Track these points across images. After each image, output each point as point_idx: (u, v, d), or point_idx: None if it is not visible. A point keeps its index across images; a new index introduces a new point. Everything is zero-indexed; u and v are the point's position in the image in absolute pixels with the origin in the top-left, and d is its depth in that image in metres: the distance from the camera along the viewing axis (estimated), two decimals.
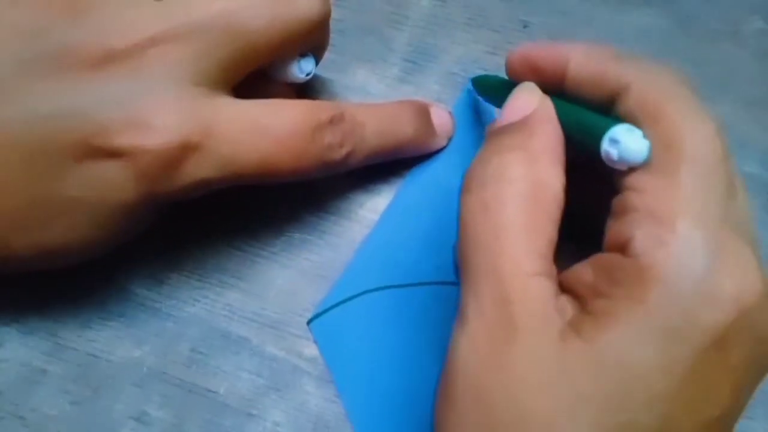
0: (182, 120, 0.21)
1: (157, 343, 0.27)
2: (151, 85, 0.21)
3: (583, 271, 0.18)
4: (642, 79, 0.18)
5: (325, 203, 0.28)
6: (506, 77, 0.23)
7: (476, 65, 0.29)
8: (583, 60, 0.20)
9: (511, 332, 0.17)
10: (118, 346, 0.27)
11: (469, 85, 0.28)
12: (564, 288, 0.19)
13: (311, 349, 0.27)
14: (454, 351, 0.18)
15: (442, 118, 0.28)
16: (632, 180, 0.18)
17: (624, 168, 0.18)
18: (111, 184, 0.21)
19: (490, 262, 0.18)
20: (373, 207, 0.28)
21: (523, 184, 0.19)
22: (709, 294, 0.16)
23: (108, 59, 0.21)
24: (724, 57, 0.30)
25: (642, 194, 0.17)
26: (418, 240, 0.27)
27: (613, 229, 0.18)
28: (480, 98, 0.28)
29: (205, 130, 0.21)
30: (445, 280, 0.27)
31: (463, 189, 0.20)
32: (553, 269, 0.19)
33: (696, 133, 0.17)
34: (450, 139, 0.28)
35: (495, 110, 0.28)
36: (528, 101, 0.21)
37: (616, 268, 0.17)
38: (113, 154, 0.21)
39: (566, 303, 0.18)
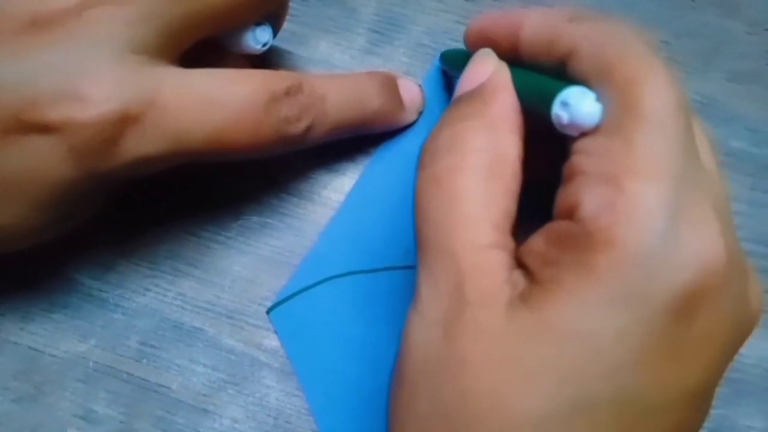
0: (119, 90, 0.19)
1: (104, 335, 0.25)
2: (84, 53, 0.19)
3: (535, 242, 0.17)
4: (593, 39, 0.17)
5: (286, 184, 0.26)
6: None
7: (447, 36, 0.27)
8: (535, 24, 0.19)
9: (462, 306, 0.17)
10: (62, 339, 0.25)
11: (438, 59, 0.26)
12: (519, 262, 0.18)
13: (271, 340, 0.25)
14: (407, 332, 0.18)
15: (410, 90, 0.26)
16: (582, 143, 0.17)
17: (575, 133, 0.17)
18: (45, 161, 0.19)
19: (442, 237, 0.17)
20: (337, 187, 0.26)
21: (476, 154, 0.18)
22: (664, 259, 0.15)
23: (35, 26, 0.19)
24: (712, 29, 0.28)
25: (591, 156, 0.16)
26: (386, 222, 0.26)
27: (562, 195, 0.17)
28: (449, 72, 0.26)
29: (146, 100, 0.19)
30: (415, 264, 0.25)
31: (419, 165, 0.19)
32: (509, 242, 0.18)
33: (650, 88, 0.16)
34: (420, 114, 0.26)
35: None
36: (483, 68, 0.20)
37: (564, 235, 0.16)
38: (45, 128, 0.19)
39: (519, 276, 0.17)
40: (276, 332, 0.25)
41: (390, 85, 0.25)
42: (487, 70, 0.20)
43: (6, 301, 0.25)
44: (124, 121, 0.19)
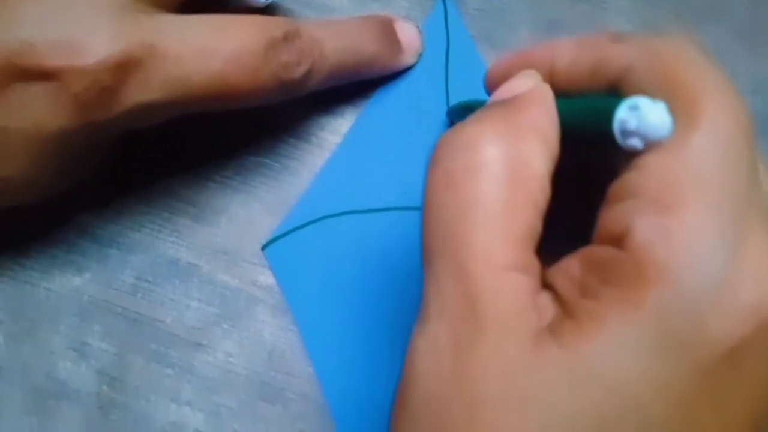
0: (119, 37, 0.19)
1: (99, 270, 0.25)
2: (83, 2, 0.19)
3: (570, 266, 0.15)
4: (649, 54, 0.15)
5: (283, 125, 0.26)
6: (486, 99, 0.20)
7: None
8: (573, 53, 0.17)
9: (476, 335, 0.14)
10: (57, 274, 0.25)
11: (441, 2, 0.26)
12: (547, 285, 0.16)
13: (266, 277, 0.25)
14: (412, 354, 0.16)
15: (408, 33, 0.26)
16: (639, 160, 0.15)
17: (639, 145, 0.15)
18: (44, 111, 0.19)
19: (455, 251, 0.15)
20: (335, 129, 0.26)
21: (502, 157, 0.15)
22: (722, 299, 0.13)
23: None
24: None
25: (645, 174, 0.14)
26: (382, 164, 0.26)
27: (608, 217, 0.15)
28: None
29: (146, 47, 0.19)
30: (410, 206, 0.25)
31: (430, 161, 0.17)
32: (534, 263, 0.16)
33: (716, 107, 0.14)
34: (419, 57, 0.26)
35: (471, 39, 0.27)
36: (523, 82, 0.18)
37: (608, 263, 0.14)
38: (43, 75, 0.19)
39: (548, 302, 0.15)
40: (271, 269, 0.25)
41: (387, 28, 0.26)
42: (526, 84, 0.18)
43: (1, 237, 0.25)
44: (124, 69, 0.19)
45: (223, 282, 0.25)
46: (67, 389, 0.24)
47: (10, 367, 0.24)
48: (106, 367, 0.24)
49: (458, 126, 0.17)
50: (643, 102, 0.15)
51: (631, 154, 0.15)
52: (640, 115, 0.14)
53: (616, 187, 0.15)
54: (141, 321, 0.24)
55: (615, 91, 0.16)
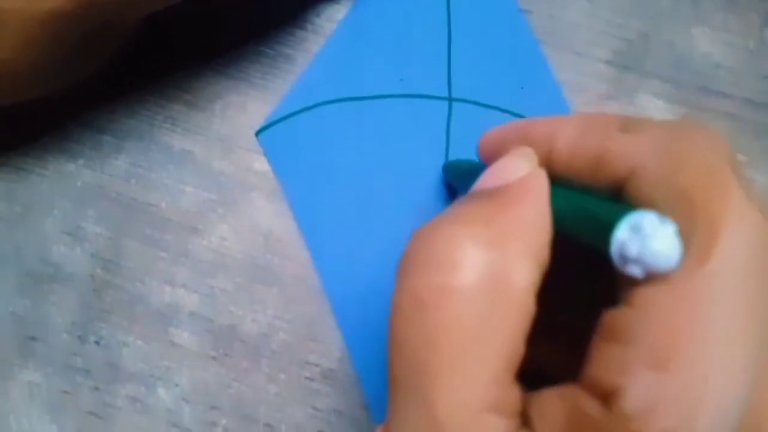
0: None
1: (92, 156, 0.24)
2: None
3: (554, 411, 0.13)
4: (660, 156, 0.13)
5: (279, 12, 0.26)
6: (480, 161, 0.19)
7: None
8: (576, 135, 0.15)
9: None
10: (50, 160, 0.24)
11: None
12: (527, 420, 0.14)
13: (261, 164, 0.24)
14: None
15: None
16: (640, 294, 0.12)
17: (639, 274, 0.12)
18: None
19: (422, 387, 0.13)
20: (331, 16, 0.26)
21: (479, 277, 0.13)
22: None
23: None
24: None
25: (644, 315, 0.12)
26: (378, 51, 0.25)
27: (597, 362, 0.13)
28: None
29: None
30: (405, 93, 0.25)
31: (399, 269, 0.14)
32: (513, 397, 0.14)
33: (736, 232, 0.12)
34: None
35: None
36: (514, 165, 0.16)
37: (590, 422, 0.12)
38: None
39: None
40: (265, 155, 0.24)
41: None
42: (519, 168, 0.15)
43: None
44: None
45: (218, 168, 0.24)
46: (61, 272, 0.24)
47: (4, 251, 0.24)
48: (100, 250, 0.24)
49: (435, 224, 0.15)
50: (648, 221, 0.12)
51: (631, 280, 0.13)
52: (644, 240, 0.12)
53: (610, 320, 0.13)
54: (135, 206, 0.24)
55: (618, 194, 0.14)
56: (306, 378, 0.23)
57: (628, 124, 0.14)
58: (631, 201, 0.14)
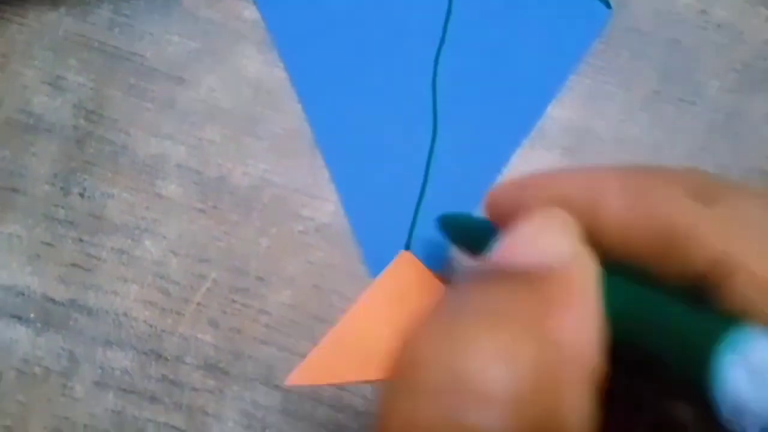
0: None
1: (74, 4, 0.23)
2: None
3: None
4: (761, 246, 0.10)
5: None
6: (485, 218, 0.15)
7: None
8: (626, 198, 0.11)
9: None
10: (30, 9, 0.23)
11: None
12: None
13: (251, 12, 0.23)
14: None
15: None
16: None
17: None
18: None
19: None
20: None
21: (521, 415, 0.09)
22: None
23: None
24: None
25: None
26: None
27: None
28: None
29: None
30: None
31: (393, 372, 0.10)
32: None
33: None
34: None
35: None
36: (550, 240, 0.11)
37: None
38: None
39: None
40: (255, 2, 0.23)
41: None
42: (556, 246, 0.11)
43: None
44: None
45: (206, 16, 0.23)
46: (42, 122, 0.22)
47: None
48: (83, 100, 0.23)
49: (448, 320, 0.10)
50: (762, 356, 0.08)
51: None
52: (764, 378, 0.08)
53: None
54: (119, 55, 0.23)
55: (699, 288, 0.10)
56: (299, 232, 0.22)
57: (704, 188, 0.11)
58: (722, 304, 0.10)
